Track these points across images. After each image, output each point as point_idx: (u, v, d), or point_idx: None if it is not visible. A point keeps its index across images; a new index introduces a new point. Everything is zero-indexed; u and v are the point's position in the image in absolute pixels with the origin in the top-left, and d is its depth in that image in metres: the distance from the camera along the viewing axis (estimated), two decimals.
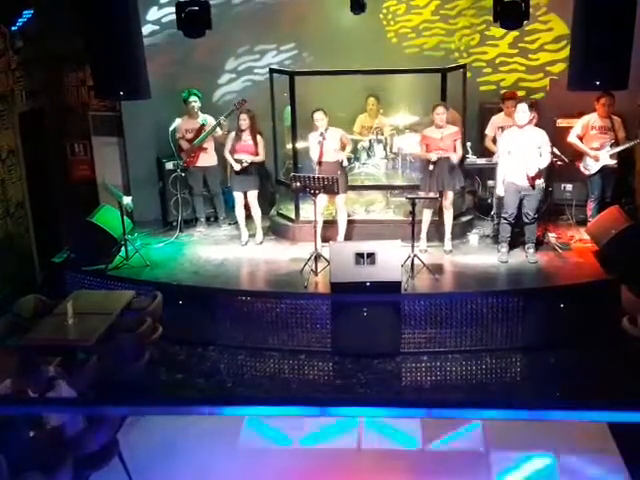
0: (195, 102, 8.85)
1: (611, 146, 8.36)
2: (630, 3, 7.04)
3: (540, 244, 8.20)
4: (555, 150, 8.14)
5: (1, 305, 7.52)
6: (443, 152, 7.91)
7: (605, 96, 8.22)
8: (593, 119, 8.45)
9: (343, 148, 8.22)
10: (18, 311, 6.75)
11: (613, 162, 8.40)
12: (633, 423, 2.18)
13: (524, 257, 8.00)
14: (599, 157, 8.35)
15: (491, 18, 9.02)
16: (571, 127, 8.61)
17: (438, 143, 7.96)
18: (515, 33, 9.21)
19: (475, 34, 9.45)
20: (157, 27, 9.27)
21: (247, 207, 8.68)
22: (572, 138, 8.47)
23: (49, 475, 4.80)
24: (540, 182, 7.77)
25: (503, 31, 9.22)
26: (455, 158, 7.94)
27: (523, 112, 7.65)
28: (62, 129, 9.78)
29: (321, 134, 8.02)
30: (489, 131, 8.81)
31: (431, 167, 7.92)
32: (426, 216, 8.20)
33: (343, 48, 8.97)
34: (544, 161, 7.70)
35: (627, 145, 8.37)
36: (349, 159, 8.69)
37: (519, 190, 7.75)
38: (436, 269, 7.80)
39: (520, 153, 7.66)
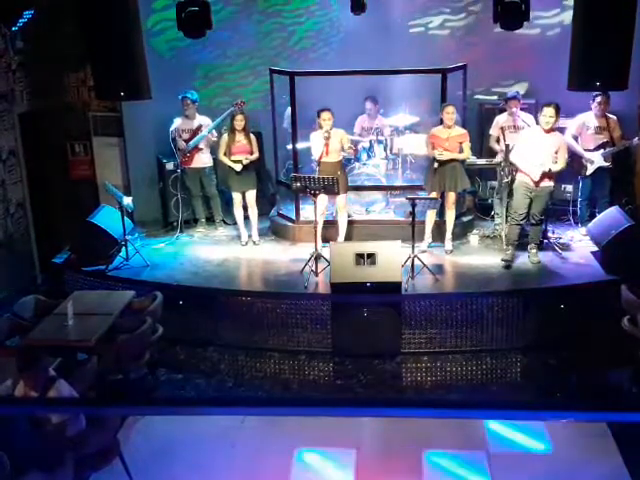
0: (191, 103, 8.85)
1: (605, 147, 8.34)
2: (630, 3, 7.04)
3: (540, 244, 8.20)
4: None
5: (1, 305, 7.53)
6: (447, 152, 7.92)
7: (601, 95, 8.21)
8: (588, 119, 8.43)
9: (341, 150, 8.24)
10: (18, 311, 6.75)
11: (607, 164, 8.39)
12: (633, 423, 2.18)
13: (524, 257, 8.00)
14: (593, 159, 8.35)
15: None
16: None
17: (444, 143, 7.96)
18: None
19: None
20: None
21: (245, 207, 8.71)
22: (567, 138, 8.42)
23: (50, 475, 4.80)
24: (550, 184, 7.72)
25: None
26: (460, 158, 8.00)
27: (550, 117, 7.52)
28: (62, 129, 9.78)
29: (327, 132, 8.03)
30: (493, 131, 8.81)
31: (436, 165, 7.92)
32: (430, 217, 8.18)
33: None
34: (559, 165, 7.64)
35: (620, 147, 8.35)
36: (349, 159, 8.76)
37: (530, 190, 7.70)
38: (436, 269, 7.80)
39: (538, 156, 7.58)
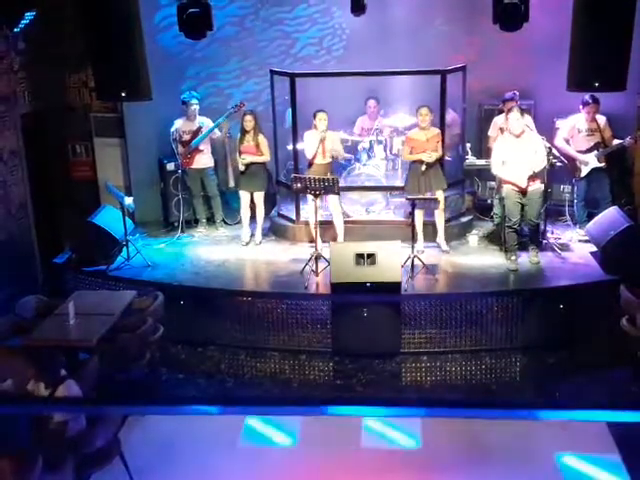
0: (196, 105, 8.91)
1: (597, 148, 8.36)
2: (630, 3, 7.06)
3: (539, 244, 8.21)
4: (554, 151, 8.16)
5: (2, 305, 7.54)
6: (434, 153, 7.98)
7: (591, 104, 8.24)
8: (579, 122, 8.45)
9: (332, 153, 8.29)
10: (19, 311, 6.77)
11: (601, 164, 8.40)
12: (633, 423, 2.20)
13: (524, 258, 8.00)
14: (587, 160, 8.37)
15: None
16: None
17: (424, 145, 8.01)
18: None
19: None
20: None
21: (251, 207, 8.74)
22: (559, 141, 8.47)
23: (50, 475, 4.82)
24: (539, 186, 7.76)
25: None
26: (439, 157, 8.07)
27: (516, 120, 7.62)
28: (64, 130, 9.79)
29: (322, 132, 8.06)
30: (492, 132, 8.83)
31: (423, 168, 7.97)
32: (419, 217, 8.20)
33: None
34: (540, 165, 7.69)
35: (614, 148, 8.38)
36: (348, 160, 8.81)
37: (520, 197, 7.72)
38: (436, 270, 7.82)
39: (518, 160, 7.62)
